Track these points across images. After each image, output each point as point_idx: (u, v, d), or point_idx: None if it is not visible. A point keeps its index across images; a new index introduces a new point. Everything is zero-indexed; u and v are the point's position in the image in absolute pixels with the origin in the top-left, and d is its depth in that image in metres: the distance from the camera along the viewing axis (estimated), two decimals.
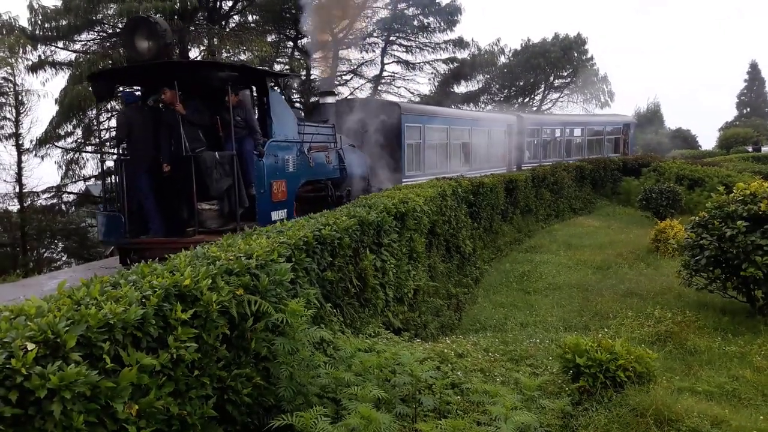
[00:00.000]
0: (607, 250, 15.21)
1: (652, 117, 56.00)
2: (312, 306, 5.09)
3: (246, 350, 4.17)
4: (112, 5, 22.29)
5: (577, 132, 29.60)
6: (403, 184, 14.20)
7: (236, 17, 27.11)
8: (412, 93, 37.48)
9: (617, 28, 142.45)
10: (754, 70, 71.47)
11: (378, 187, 14.34)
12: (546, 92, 46.85)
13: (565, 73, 45.89)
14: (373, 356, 4.89)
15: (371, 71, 36.35)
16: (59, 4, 21.35)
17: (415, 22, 34.34)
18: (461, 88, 40.78)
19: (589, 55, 45.52)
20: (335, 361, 4.97)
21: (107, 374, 2.95)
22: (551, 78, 45.91)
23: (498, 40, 44.80)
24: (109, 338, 3.06)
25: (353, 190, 13.26)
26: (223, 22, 25.49)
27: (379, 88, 35.96)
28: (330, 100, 14.32)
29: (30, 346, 2.67)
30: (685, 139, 48.50)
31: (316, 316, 5.55)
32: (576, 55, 44.97)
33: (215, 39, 23.31)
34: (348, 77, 35.77)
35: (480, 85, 42.78)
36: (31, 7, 19.74)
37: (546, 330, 9.08)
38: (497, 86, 44.96)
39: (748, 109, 69.95)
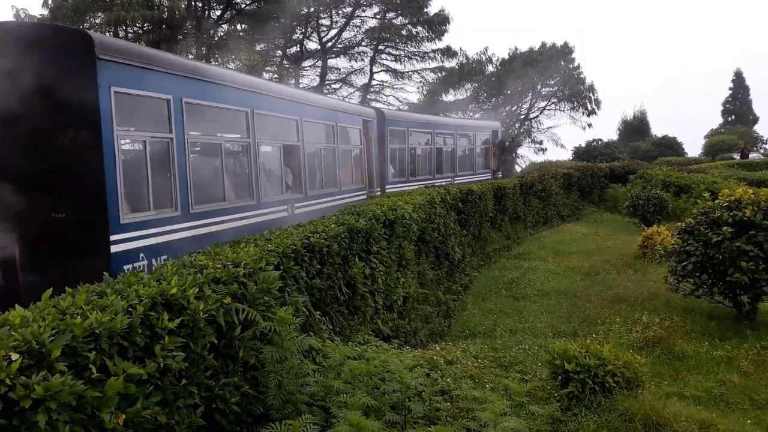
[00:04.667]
0: (595, 256, 15.27)
1: (638, 125, 56.47)
2: (301, 314, 5.08)
3: (234, 359, 4.15)
4: (99, 14, 22.26)
5: (448, 140, 22.49)
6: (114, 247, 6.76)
7: (225, 26, 27.12)
8: (401, 102, 37.72)
9: (605, 38, 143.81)
10: (738, 78, 72.20)
11: None
12: (534, 101, 47.21)
13: (552, 82, 46.26)
14: (362, 364, 4.88)
15: (360, 80, 36.53)
16: (46, 13, 21.30)
17: (404, 32, 34.56)
18: (450, 97, 41.07)
19: (576, 64, 45.97)
20: (324, 369, 4.95)
21: (93, 384, 2.92)
22: (538, 86, 46.25)
23: (486, 49, 45.14)
24: (94, 348, 3.04)
25: None
26: (212, 31, 25.49)
27: (368, 96, 36.11)
28: None
29: (14, 356, 2.64)
30: (671, 146, 48.84)
31: (304, 324, 5.53)
32: (563, 63, 45.36)
33: (203, 48, 23.32)
34: (337, 86, 35.92)
35: (468, 94, 43.06)
36: (17, 16, 19.65)
37: (535, 336, 9.09)
38: (485, 95, 45.26)
39: (733, 117, 70.69)
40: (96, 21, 22.21)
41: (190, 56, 23.65)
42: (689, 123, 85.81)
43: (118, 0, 21.18)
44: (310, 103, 12.66)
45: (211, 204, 8.87)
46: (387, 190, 16.54)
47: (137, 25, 22.60)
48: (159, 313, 3.53)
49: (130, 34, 22.80)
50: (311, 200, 12.03)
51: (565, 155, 50.19)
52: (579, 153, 43.44)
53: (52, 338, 2.84)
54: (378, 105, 33.63)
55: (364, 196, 14.82)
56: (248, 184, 9.98)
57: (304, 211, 11.33)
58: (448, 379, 5.80)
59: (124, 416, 3.02)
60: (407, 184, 17.94)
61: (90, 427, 2.85)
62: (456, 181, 18.27)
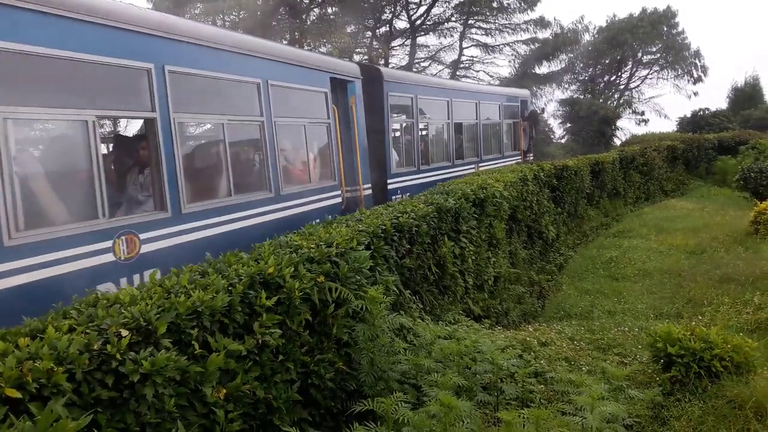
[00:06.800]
0: (702, 233, 14.42)
1: (750, 92, 52.43)
2: (391, 293, 5.14)
3: (328, 336, 4.26)
4: (198, 5, 23.20)
5: (469, 113, 16.14)
6: None
7: (316, 10, 27.50)
8: (491, 76, 36.96)
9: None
10: None
11: None
12: (634, 69, 44.94)
13: (654, 49, 43.80)
14: (453, 343, 4.86)
15: (449, 56, 36.05)
16: (150, 6, 22.43)
17: (494, 4, 33.72)
18: (543, 69, 39.83)
19: (680, 29, 43.24)
20: (415, 348, 4.99)
21: (196, 359, 3.08)
22: (639, 54, 43.92)
23: (582, 18, 43.40)
24: (197, 325, 3.21)
25: None
26: (304, 16, 25.91)
27: (457, 72, 35.64)
28: None
29: (124, 332, 2.83)
30: None
31: (395, 302, 5.59)
32: (665, 29, 42.79)
33: (297, 33, 23.78)
34: (426, 64, 35.63)
35: (563, 65, 41.58)
36: None
37: (635, 318, 8.74)
38: (581, 65, 43.56)
39: None
40: (195, 12, 23.17)
41: (284, 41, 24.26)
42: None
43: None
44: (187, 38, 6.34)
45: None
46: (390, 186, 11.73)
47: (234, 13, 23.39)
48: (257, 292, 3.67)
49: (227, 23, 23.63)
50: (190, 222, 6.15)
51: (669, 126, 47.62)
52: (684, 124, 40.95)
53: (158, 316, 3.02)
54: (468, 80, 32.90)
55: (338, 200, 9.51)
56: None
57: (174, 244, 5.88)
58: (542, 361, 5.69)
59: (224, 390, 3.18)
60: (417, 177, 13.00)
61: (193, 401, 3.02)
62: (480, 170, 13.94)
